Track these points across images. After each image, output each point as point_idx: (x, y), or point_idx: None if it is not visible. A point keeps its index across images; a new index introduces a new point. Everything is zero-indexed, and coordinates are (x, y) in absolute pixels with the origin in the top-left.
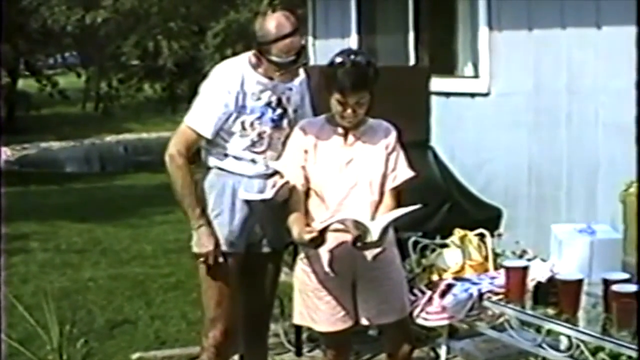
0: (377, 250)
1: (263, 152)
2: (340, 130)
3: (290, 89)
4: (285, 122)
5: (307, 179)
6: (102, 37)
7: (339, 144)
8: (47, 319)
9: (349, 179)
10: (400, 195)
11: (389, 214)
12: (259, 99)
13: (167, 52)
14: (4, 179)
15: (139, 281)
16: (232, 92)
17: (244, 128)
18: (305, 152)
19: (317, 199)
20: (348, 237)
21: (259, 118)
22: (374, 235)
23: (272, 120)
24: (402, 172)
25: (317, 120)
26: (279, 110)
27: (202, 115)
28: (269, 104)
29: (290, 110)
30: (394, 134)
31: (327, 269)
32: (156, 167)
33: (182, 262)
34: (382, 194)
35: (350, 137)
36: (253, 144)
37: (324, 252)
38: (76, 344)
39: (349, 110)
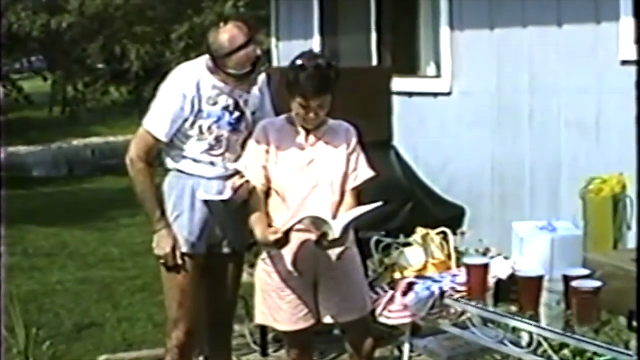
0: (340, 249)
1: (221, 154)
2: (301, 130)
3: (249, 92)
4: (243, 126)
5: (268, 179)
6: (68, 41)
7: (300, 145)
8: (14, 322)
9: (310, 179)
10: (361, 195)
11: (351, 211)
12: (215, 103)
13: (134, 55)
14: None
15: (106, 284)
16: (188, 96)
17: (201, 132)
18: (267, 152)
19: (278, 199)
20: (310, 237)
21: (217, 122)
22: (335, 232)
23: (230, 124)
24: (363, 172)
25: (278, 120)
26: (236, 114)
27: (158, 119)
28: (226, 108)
29: (248, 113)
30: (354, 135)
31: (290, 268)
32: (123, 170)
33: (149, 264)
34: (343, 194)
35: (312, 138)
36: (211, 147)
37: (286, 253)
38: (42, 347)
39: (312, 114)
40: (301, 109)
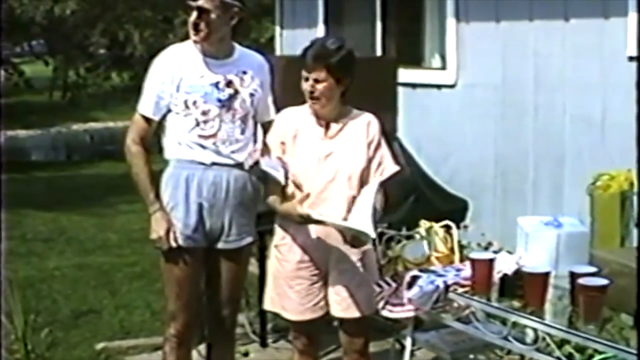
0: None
1: (212, 135)
2: (321, 121)
3: (245, 72)
4: (236, 104)
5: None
6: (70, 26)
7: (319, 136)
8: (11, 308)
9: (327, 172)
10: (387, 191)
11: (362, 201)
12: (202, 76)
13: (137, 40)
14: None
15: (104, 270)
16: (167, 68)
17: (187, 106)
18: (282, 144)
19: (293, 191)
20: (326, 229)
21: (203, 96)
22: (371, 234)
23: (219, 100)
24: (389, 166)
25: (300, 109)
26: (228, 91)
27: (143, 98)
28: (216, 84)
29: (244, 93)
30: (376, 127)
31: (302, 257)
32: (121, 156)
33: (147, 251)
34: (361, 188)
35: (331, 130)
36: (198, 123)
37: (299, 241)
38: (40, 334)
39: (309, 85)
40: (304, 82)
